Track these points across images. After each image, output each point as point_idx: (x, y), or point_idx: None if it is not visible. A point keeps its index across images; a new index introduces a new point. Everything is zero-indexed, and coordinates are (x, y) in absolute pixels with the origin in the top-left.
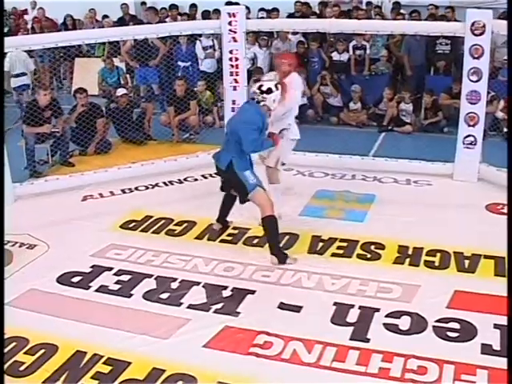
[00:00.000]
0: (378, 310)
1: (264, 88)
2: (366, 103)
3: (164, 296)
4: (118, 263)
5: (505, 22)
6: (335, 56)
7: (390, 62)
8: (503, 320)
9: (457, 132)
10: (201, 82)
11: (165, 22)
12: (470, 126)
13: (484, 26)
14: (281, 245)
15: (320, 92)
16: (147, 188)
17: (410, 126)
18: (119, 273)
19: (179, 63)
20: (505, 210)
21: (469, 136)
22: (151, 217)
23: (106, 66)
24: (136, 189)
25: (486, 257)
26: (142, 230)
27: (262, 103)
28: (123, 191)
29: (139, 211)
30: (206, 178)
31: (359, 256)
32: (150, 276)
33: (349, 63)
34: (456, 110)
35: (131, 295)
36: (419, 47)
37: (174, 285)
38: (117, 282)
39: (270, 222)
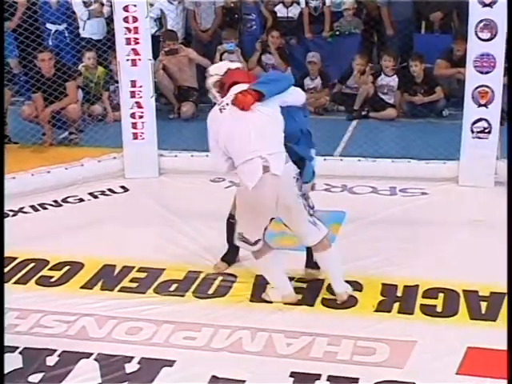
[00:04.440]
0: (355, 380)
1: None
2: (329, 79)
3: (35, 379)
4: None
5: None
6: (280, 11)
7: (360, 18)
8: None
9: (462, 115)
10: (89, 52)
11: None
12: (480, 105)
13: None
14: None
15: (261, 65)
16: (6, 216)
17: (394, 108)
18: None
19: (48, 26)
20: None
21: (480, 120)
22: (14, 258)
23: None
24: None
25: None
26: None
27: None
28: None
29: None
30: (96, 197)
31: (326, 302)
32: (14, 349)
33: (301, 21)
34: (460, 83)
35: None
36: None
37: (52, 360)
38: None
39: None
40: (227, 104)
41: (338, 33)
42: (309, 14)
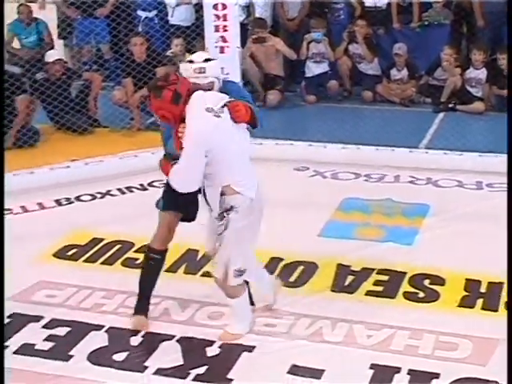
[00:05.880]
0: (436, 375)
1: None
2: (416, 70)
3: (120, 357)
4: (50, 310)
5: None
6: (369, 0)
7: (450, 8)
8: None
9: None
10: (177, 39)
11: None
12: None
13: None
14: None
15: (348, 54)
16: (94, 198)
17: (482, 102)
18: (52, 324)
19: (139, 13)
20: None
21: None
22: (101, 240)
23: (20, 18)
24: (78, 199)
25: None
26: (86, 260)
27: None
28: (58, 202)
29: (83, 232)
30: None
31: (407, 295)
32: (100, 328)
33: (389, 11)
34: None
35: (70, 357)
36: None
37: (136, 340)
38: (48, 339)
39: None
40: (222, 108)
41: (426, 23)
42: (397, 5)
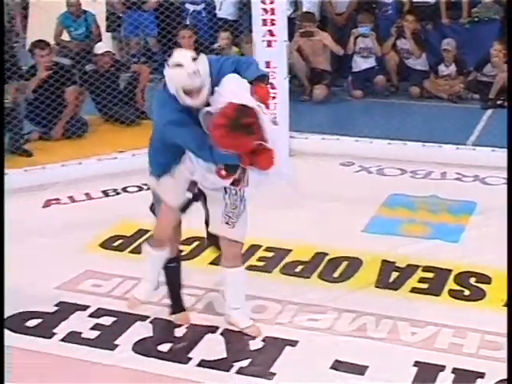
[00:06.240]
0: (481, 375)
1: None
2: (464, 66)
3: (164, 348)
4: (96, 299)
5: None
6: None
7: (500, 4)
8: None
9: None
10: (224, 32)
11: None
12: None
13: None
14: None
15: (395, 49)
16: (141, 189)
17: None
18: (98, 313)
19: (187, 6)
20: None
21: None
22: (146, 231)
23: (70, 10)
24: (124, 190)
25: None
26: (132, 251)
27: None
28: (105, 193)
29: (129, 223)
30: None
31: (452, 293)
32: (145, 318)
33: (438, 6)
34: None
35: (116, 347)
36: None
37: (180, 331)
38: (94, 328)
39: None
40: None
41: (476, 19)
42: (446, 0)
